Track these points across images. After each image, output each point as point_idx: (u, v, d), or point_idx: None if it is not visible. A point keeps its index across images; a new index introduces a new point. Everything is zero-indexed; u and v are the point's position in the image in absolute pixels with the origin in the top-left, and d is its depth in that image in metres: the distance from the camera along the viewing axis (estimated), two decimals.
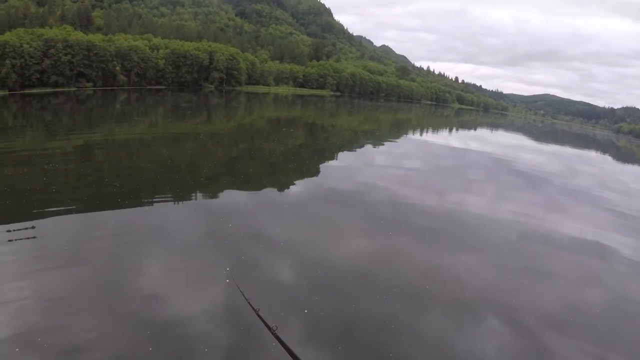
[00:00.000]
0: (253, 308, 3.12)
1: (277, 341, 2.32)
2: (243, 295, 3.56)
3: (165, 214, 13.78)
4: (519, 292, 11.52)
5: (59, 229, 11.99)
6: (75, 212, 13.22)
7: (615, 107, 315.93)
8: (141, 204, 14.33)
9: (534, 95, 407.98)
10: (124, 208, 13.76)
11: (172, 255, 10.86)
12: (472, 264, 13.02)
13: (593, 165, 51.01)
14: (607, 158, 68.38)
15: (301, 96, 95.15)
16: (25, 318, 7.92)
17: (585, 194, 26.75)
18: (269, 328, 2.40)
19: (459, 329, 9.19)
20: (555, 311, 10.75)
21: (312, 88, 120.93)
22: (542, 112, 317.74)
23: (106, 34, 77.95)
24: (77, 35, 69.42)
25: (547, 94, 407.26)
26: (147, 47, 72.14)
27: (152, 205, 14.43)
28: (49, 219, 12.53)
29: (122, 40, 70.43)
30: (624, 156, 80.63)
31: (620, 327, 10.57)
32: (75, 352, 7.23)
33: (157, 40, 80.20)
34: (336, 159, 27.44)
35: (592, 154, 70.74)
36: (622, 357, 9.10)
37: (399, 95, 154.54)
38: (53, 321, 7.93)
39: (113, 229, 12.23)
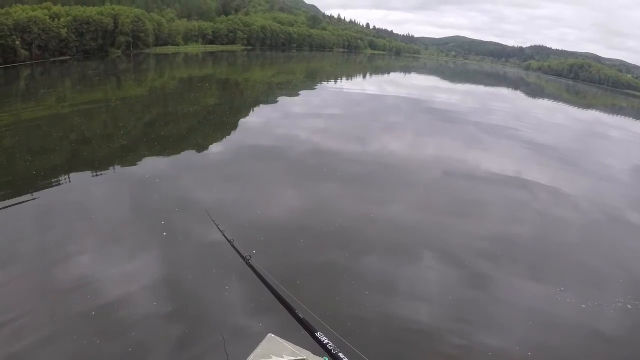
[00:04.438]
0: (227, 239, 3.16)
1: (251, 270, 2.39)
2: (218, 227, 3.66)
3: (86, 191, 12.27)
4: (450, 226, 11.57)
5: None
6: None
7: (525, 46, 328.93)
8: (58, 184, 12.62)
9: (446, 38, 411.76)
10: (41, 191, 11.94)
11: (101, 236, 9.51)
12: (402, 204, 12.97)
13: (507, 101, 52.95)
14: (520, 94, 71.44)
15: (212, 53, 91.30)
16: None
17: (503, 130, 27.33)
18: (243, 257, 2.46)
19: (398, 267, 9.19)
20: (487, 240, 10.88)
21: (222, 44, 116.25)
22: (453, 53, 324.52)
23: (2, 7, 70.20)
24: None
25: (458, 36, 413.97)
26: (48, 17, 65.92)
27: (70, 183, 12.78)
28: None
29: (20, 12, 63.72)
30: (534, 92, 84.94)
31: (548, 250, 10.79)
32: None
33: (57, 9, 72.65)
34: (254, 114, 26.06)
35: (505, 91, 73.72)
36: (553, 276, 9.36)
37: (311, 45, 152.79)
38: None
39: (34, 216, 10.42)
